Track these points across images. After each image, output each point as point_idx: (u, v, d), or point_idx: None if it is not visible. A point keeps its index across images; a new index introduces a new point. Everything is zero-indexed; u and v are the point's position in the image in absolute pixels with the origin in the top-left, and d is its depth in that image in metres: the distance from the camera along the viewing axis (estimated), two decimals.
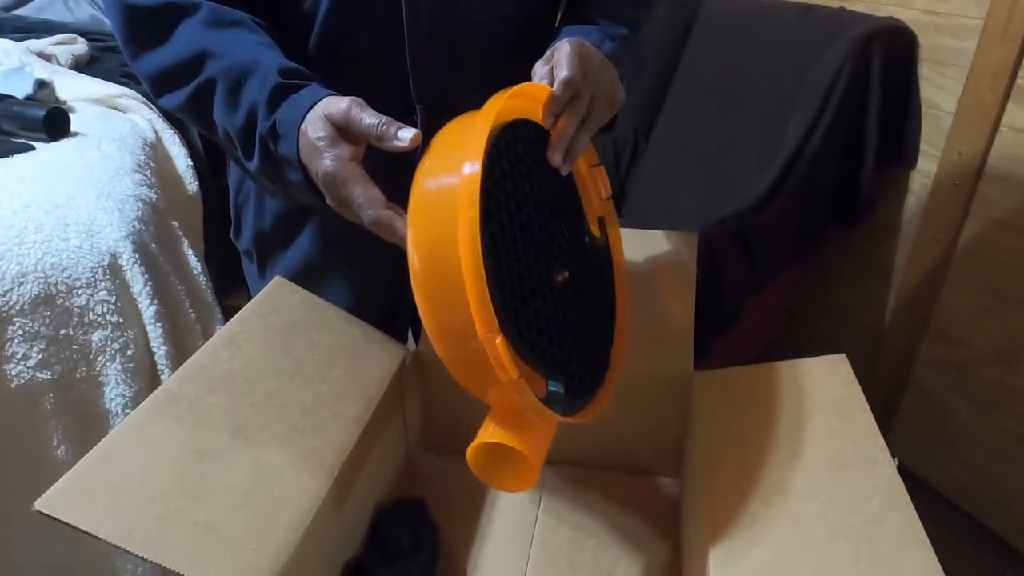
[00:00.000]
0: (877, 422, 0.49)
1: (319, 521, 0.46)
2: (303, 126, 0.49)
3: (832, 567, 0.40)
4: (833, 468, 0.47)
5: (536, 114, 0.49)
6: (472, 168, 0.39)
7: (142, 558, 0.38)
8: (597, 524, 0.61)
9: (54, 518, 0.39)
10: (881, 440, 0.48)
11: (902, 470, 0.45)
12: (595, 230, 0.55)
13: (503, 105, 0.44)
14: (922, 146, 1.25)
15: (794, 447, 0.49)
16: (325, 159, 0.47)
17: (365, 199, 0.46)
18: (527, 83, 0.48)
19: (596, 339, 0.51)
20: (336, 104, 0.48)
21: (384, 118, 0.47)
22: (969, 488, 1.28)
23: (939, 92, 1.21)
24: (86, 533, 0.39)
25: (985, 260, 1.18)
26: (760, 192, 1.22)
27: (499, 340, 0.37)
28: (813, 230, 1.34)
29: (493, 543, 0.60)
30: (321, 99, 0.49)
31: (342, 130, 0.48)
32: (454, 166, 0.40)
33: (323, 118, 0.48)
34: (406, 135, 0.46)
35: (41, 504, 0.39)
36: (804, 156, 1.22)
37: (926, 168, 1.25)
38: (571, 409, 0.46)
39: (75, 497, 0.40)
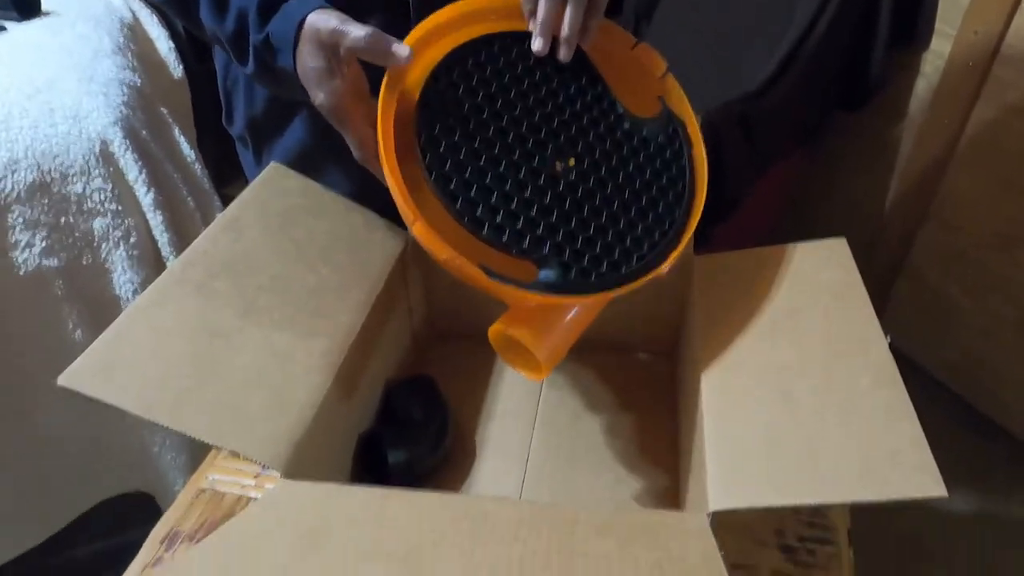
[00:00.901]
0: (873, 305, 0.50)
1: (331, 399, 0.48)
2: (299, 48, 0.48)
3: (821, 438, 0.42)
4: (827, 348, 0.48)
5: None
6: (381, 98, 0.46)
7: (166, 429, 0.40)
8: (598, 400, 0.64)
9: (78, 393, 0.40)
10: (876, 322, 0.48)
11: (895, 352, 0.46)
12: (647, 111, 0.54)
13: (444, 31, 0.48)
14: (937, 25, 1.20)
15: (789, 328, 0.50)
16: (320, 94, 0.48)
17: (357, 142, 0.49)
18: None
19: (638, 218, 0.50)
20: (325, 22, 0.46)
21: (371, 30, 0.45)
22: (961, 371, 1.32)
23: None
24: (111, 405, 0.40)
25: (996, 145, 1.15)
26: (764, 76, 1.18)
27: (417, 226, 0.43)
28: (818, 115, 1.31)
29: (499, 419, 0.63)
30: (312, 11, 0.48)
31: (334, 52, 0.47)
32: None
33: (314, 41, 0.47)
34: (402, 53, 0.45)
35: (64, 379, 0.40)
36: (812, 38, 1.16)
37: (939, 49, 1.20)
38: (594, 285, 0.47)
39: (95, 373, 0.42)
